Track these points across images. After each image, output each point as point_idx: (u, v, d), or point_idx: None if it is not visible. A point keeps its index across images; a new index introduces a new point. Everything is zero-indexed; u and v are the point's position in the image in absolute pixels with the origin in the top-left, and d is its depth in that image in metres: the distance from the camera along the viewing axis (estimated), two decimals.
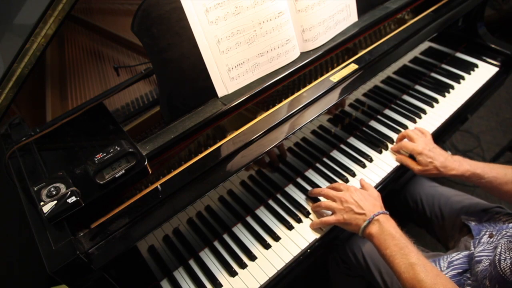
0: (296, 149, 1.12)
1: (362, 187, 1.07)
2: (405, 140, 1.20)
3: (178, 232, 0.94)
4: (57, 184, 0.74)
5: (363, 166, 1.18)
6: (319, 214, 1.06)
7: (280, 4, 1.00)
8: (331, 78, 1.07)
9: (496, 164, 1.07)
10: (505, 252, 0.82)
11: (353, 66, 1.11)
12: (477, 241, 1.03)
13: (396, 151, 1.21)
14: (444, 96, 1.40)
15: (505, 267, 0.79)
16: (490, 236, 1.01)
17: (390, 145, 1.24)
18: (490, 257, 0.90)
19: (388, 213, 0.96)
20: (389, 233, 0.90)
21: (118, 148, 0.77)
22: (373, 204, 0.97)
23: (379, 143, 1.25)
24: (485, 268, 0.88)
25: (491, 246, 0.95)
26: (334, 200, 1.01)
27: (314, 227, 1.04)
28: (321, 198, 1.09)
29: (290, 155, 1.11)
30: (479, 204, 1.18)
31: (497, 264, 0.82)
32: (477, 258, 0.94)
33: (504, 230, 0.98)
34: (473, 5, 1.38)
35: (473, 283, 0.93)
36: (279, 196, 1.13)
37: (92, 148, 0.84)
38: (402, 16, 1.36)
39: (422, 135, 1.18)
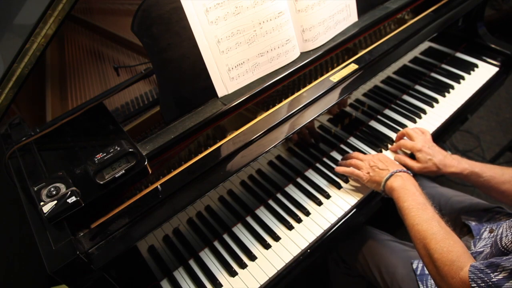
0: (296, 149, 1.12)
1: None
2: (404, 139, 1.20)
3: (178, 232, 0.94)
4: (57, 184, 0.74)
5: None
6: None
7: (280, 4, 1.00)
8: (331, 78, 1.07)
9: (494, 165, 1.08)
10: (506, 230, 0.83)
11: (353, 66, 1.11)
12: (478, 239, 1.03)
13: (394, 151, 1.21)
14: (444, 96, 1.40)
15: (506, 242, 0.79)
16: (491, 231, 1.01)
17: (390, 145, 1.24)
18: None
19: (411, 174, 1.01)
20: (410, 189, 0.95)
21: (118, 148, 0.77)
22: (396, 165, 1.05)
23: (379, 143, 1.24)
24: (486, 253, 0.88)
25: (492, 239, 0.95)
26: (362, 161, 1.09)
27: (340, 171, 1.12)
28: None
29: (290, 155, 1.11)
30: (479, 204, 1.18)
31: (498, 242, 0.82)
32: (478, 251, 0.94)
33: (504, 223, 0.98)
34: (473, 5, 1.38)
35: None
36: (279, 196, 1.13)
37: (92, 148, 0.84)
38: (402, 16, 1.36)
39: (421, 133, 1.19)
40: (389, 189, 0.98)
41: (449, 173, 1.09)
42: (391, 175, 0.99)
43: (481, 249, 0.94)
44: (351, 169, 1.10)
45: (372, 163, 1.06)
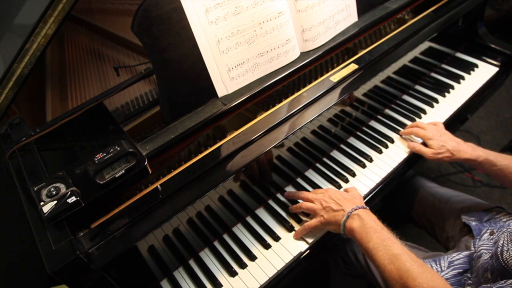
0: (296, 149, 1.12)
1: (345, 190, 1.06)
2: (416, 127, 1.22)
3: (178, 232, 0.94)
4: (57, 184, 0.74)
5: (363, 166, 1.18)
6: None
7: (280, 4, 1.00)
8: (331, 78, 1.07)
9: (510, 155, 1.08)
10: (507, 244, 0.82)
11: (353, 66, 1.11)
12: (478, 239, 1.03)
13: (407, 135, 1.23)
14: (444, 96, 1.40)
15: (507, 257, 0.79)
16: (491, 233, 1.01)
17: (390, 145, 1.24)
18: (490, 251, 0.90)
19: (368, 208, 0.95)
20: (371, 226, 0.89)
21: (118, 148, 0.77)
22: (351, 201, 0.96)
23: (379, 143, 1.24)
24: (486, 261, 0.88)
25: (492, 242, 0.95)
26: (313, 203, 1.00)
27: (299, 236, 1.02)
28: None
29: (290, 155, 1.11)
30: (479, 205, 1.18)
31: (499, 255, 0.81)
32: (478, 254, 0.94)
33: (505, 227, 0.98)
34: (473, 5, 1.38)
35: (474, 279, 0.93)
36: (279, 196, 1.13)
37: (92, 148, 0.84)
38: (402, 16, 1.36)
39: (433, 125, 1.21)
40: (349, 231, 0.91)
41: (463, 160, 1.09)
42: (347, 217, 0.92)
43: (480, 251, 0.94)
44: (307, 223, 1.00)
45: (325, 203, 0.97)
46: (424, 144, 1.18)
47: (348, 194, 1.00)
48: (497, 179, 1.09)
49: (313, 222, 0.99)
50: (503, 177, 1.06)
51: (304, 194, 1.05)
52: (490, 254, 0.88)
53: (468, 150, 1.09)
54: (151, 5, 0.87)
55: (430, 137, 1.14)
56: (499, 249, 0.83)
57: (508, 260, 0.79)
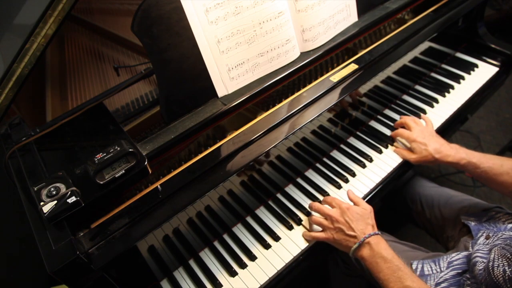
0: (296, 149, 1.12)
1: (353, 202, 1.03)
2: (401, 129, 1.21)
3: (178, 232, 0.94)
4: (57, 184, 0.74)
5: (363, 166, 1.18)
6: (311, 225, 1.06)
7: (280, 4, 1.00)
8: (331, 78, 1.07)
9: (494, 155, 1.07)
10: (498, 259, 0.83)
11: (353, 66, 1.11)
12: (475, 242, 1.03)
13: (394, 137, 1.22)
14: (444, 96, 1.41)
15: (498, 274, 0.80)
16: (487, 237, 1.01)
17: (390, 145, 1.24)
18: (484, 260, 0.91)
19: (379, 233, 0.94)
20: (381, 256, 0.89)
21: (118, 148, 0.77)
22: (365, 223, 0.95)
23: (379, 143, 1.24)
24: (480, 272, 0.89)
25: (486, 248, 0.95)
26: (325, 217, 1.00)
27: (305, 238, 1.03)
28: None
29: (290, 155, 1.11)
30: (478, 205, 1.19)
31: (490, 270, 0.82)
32: (473, 260, 0.94)
33: (501, 232, 0.98)
34: (473, 5, 1.38)
35: (473, 285, 0.93)
36: (279, 196, 1.13)
37: (92, 148, 0.84)
38: (402, 16, 1.36)
39: (421, 123, 1.20)
40: (360, 258, 0.93)
41: (445, 163, 1.09)
42: (359, 245, 0.92)
43: (475, 258, 0.94)
44: (315, 234, 1.00)
45: (336, 224, 0.96)
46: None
47: (360, 214, 0.96)
48: (481, 181, 1.08)
49: (321, 236, 0.98)
50: (487, 179, 1.05)
51: (317, 206, 1.02)
52: (483, 266, 0.89)
53: (451, 153, 1.08)
54: (151, 5, 0.87)
55: (413, 138, 1.13)
56: (490, 264, 0.83)
57: (499, 277, 0.80)
